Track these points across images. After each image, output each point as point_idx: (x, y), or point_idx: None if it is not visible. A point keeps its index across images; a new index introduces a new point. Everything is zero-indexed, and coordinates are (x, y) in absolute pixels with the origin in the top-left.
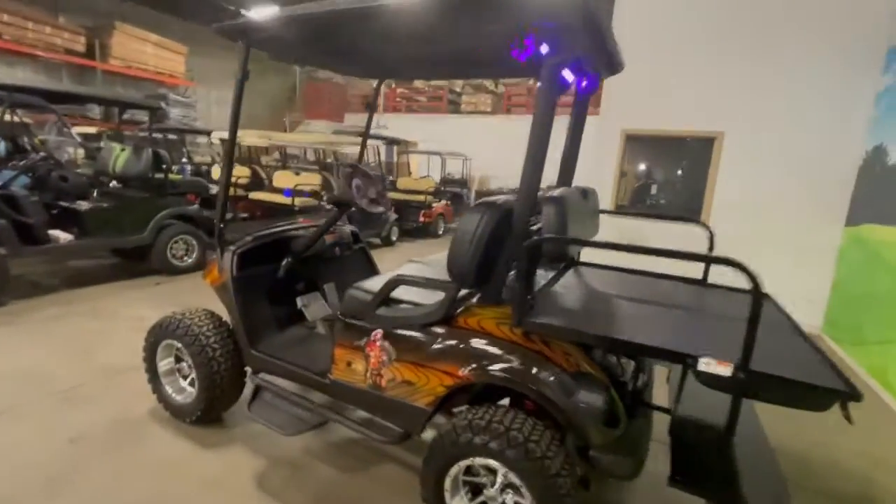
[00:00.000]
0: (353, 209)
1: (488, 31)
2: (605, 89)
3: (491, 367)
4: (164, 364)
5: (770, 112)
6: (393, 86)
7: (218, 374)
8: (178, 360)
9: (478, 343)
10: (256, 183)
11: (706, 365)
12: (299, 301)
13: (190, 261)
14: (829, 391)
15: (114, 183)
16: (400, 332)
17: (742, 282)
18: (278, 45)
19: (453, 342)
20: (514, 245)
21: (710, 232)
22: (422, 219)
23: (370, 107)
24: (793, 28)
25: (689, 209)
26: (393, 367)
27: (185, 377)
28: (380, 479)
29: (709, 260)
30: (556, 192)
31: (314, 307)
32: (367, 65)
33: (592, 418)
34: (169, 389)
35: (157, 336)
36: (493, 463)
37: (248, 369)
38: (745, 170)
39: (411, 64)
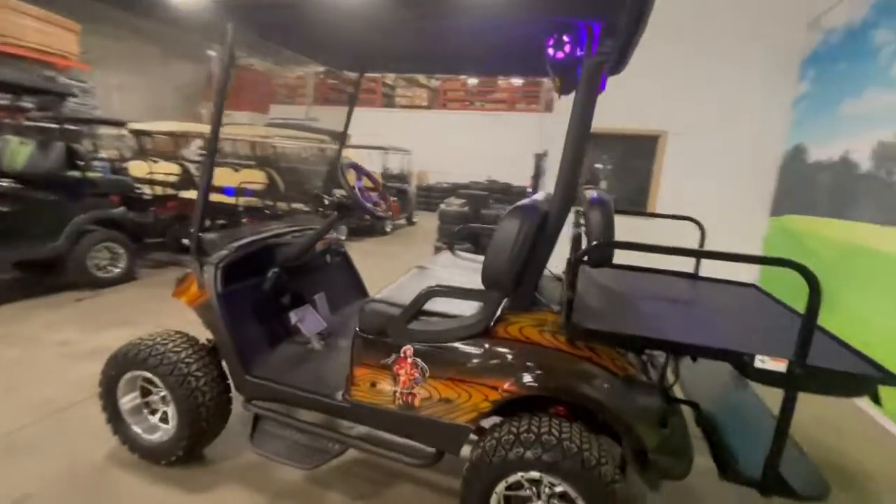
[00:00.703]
0: (346, 212)
1: (525, 27)
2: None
3: (544, 378)
4: (127, 400)
5: (706, 115)
6: (321, 76)
7: (203, 405)
8: (146, 392)
9: (524, 353)
10: (187, 181)
11: (762, 362)
12: (293, 316)
13: (117, 271)
14: (873, 378)
15: (9, 182)
16: (435, 346)
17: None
18: (267, 26)
19: (497, 354)
20: (546, 249)
21: (702, 228)
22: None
23: (350, 100)
24: (725, 41)
25: (635, 202)
26: (427, 385)
27: (154, 412)
28: (399, 502)
29: (765, 261)
30: (595, 195)
31: (309, 322)
32: (350, 55)
33: (649, 421)
34: (137, 429)
35: (118, 368)
36: (541, 476)
37: (234, 396)
38: (685, 166)
39: (402, 57)
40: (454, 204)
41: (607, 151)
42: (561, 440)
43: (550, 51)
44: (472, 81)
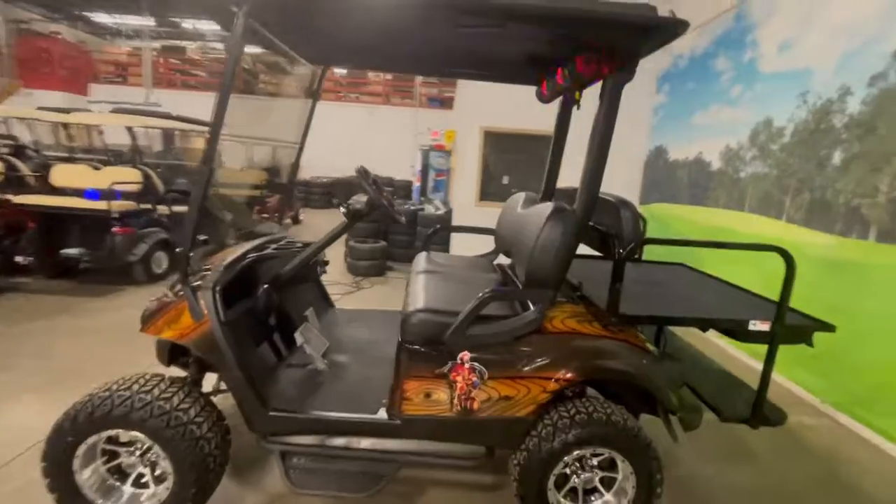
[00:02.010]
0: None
1: (557, 45)
2: (463, 90)
3: (596, 363)
4: (88, 474)
5: (589, 117)
6: (160, 56)
7: (211, 455)
8: (112, 457)
9: (575, 343)
10: (16, 182)
11: (754, 325)
12: (299, 337)
13: None
14: (818, 326)
15: None
16: (493, 348)
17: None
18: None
19: (551, 347)
20: (573, 247)
21: (643, 219)
22: (256, 216)
23: (313, 95)
24: None
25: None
26: (486, 387)
27: (126, 477)
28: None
29: (756, 247)
30: (617, 197)
31: (314, 341)
32: (320, 46)
33: (675, 386)
34: None
35: (76, 434)
36: (594, 451)
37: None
38: (573, 162)
39: (381, 55)
40: (360, 201)
41: (510, 150)
42: (609, 416)
43: (581, 66)
44: (341, 72)
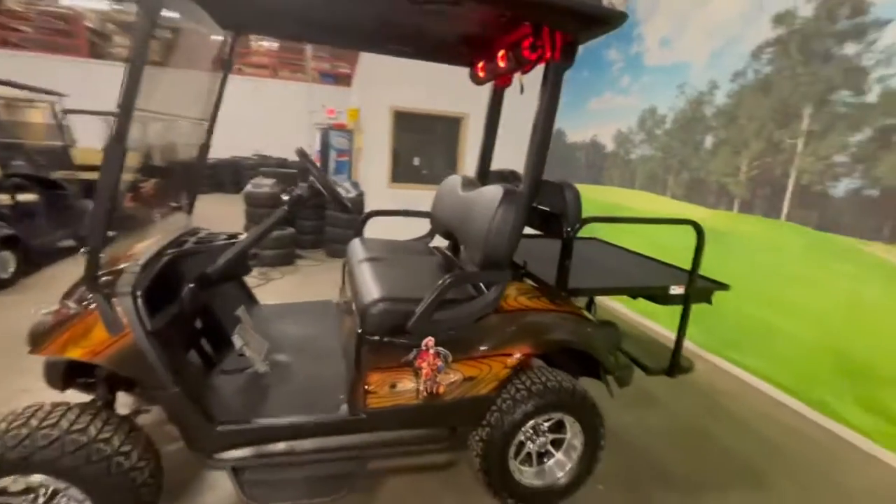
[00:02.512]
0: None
1: (502, 28)
2: (368, 67)
3: (552, 336)
4: None
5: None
6: None
7: (145, 485)
8: None
9: (529, 319)
10: None
11: (674, 290)
12: (237, 340)
13: None
14: (717, 286)
15: None
16: (456, 331)
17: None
18: None
19: (508, 325)
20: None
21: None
22: (130, 203)
23: (225, 67)
24: None
25: (445, 173)
26: (451, 370)
27: None
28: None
29: (673, 221)
30: (559, 179)
31: (253, 342)
32: (236, 10)
33: (615, 351)
34: None
35: None
36: (556, 416)
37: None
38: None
39: (302, 22)
40: (264, 185)
41: (420, 131)
42: (561, 384)
43: (527, 51)
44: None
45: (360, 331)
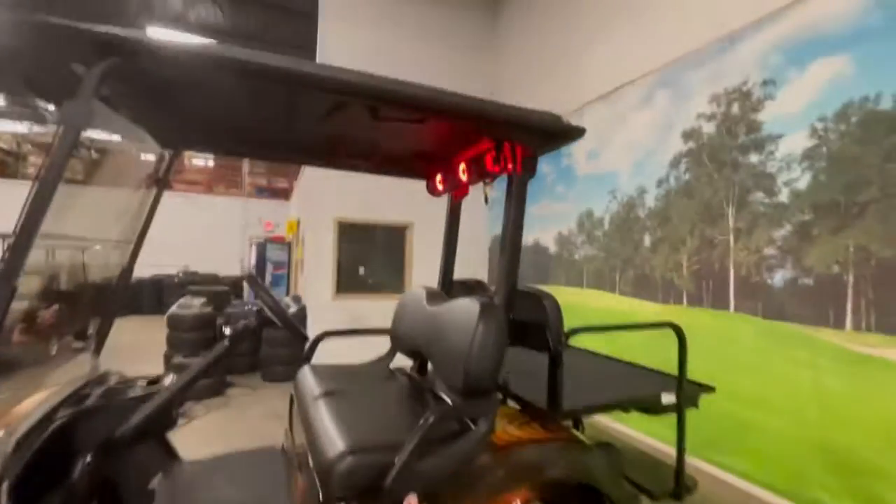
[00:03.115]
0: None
1: (463, 142)
2: (311, 179)
3: (554, 474)
4: None
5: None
6: None
7: None
8: None
9: (525, 455)
10: None
11: (665, 399)
12: None
13: None
14: (704, 389)
15: None
16: (444, 479)
17: None
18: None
19: (501, 465)
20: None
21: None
22: (20, 338)
23: (160, 184)
24: None
25: (392, 286)
26: None
27: None
28: None
29: (652, 325)
30: (533, 288)
31: None
32: (177, 126)
33: (619, 478)
34: None
35: None
36: None
37: None
38: (429, 252)
39: (257, 141)
40: (193, 305)
41: (365, 241)
42: None
43: (490, 164)
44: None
45: (321, 495)
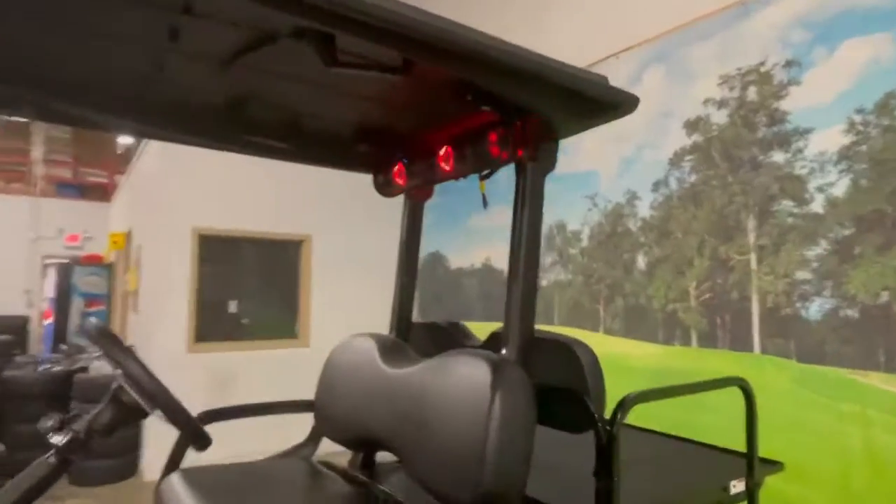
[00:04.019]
0: None
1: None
2: (153, 169)
3: None
4: None
5: (351, 215)
6: None
7: None
8: None
9: None
10: None
11: (734, 487)
12: None
13: None
14: (774, 468)
15: None
16: None
17: None
18: None
19: None
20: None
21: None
22: None
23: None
24: None
25: (281, 329)
26: None
27: None
28: None
29: (718, 385)
30: (558, 335)
31: None
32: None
33: None
34: None
35: None
36: None
37: None
38: (336, 277)
39: (125, 101)
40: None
41: (240, 262)
42: None
43: (495, 146)
44: None
45: None
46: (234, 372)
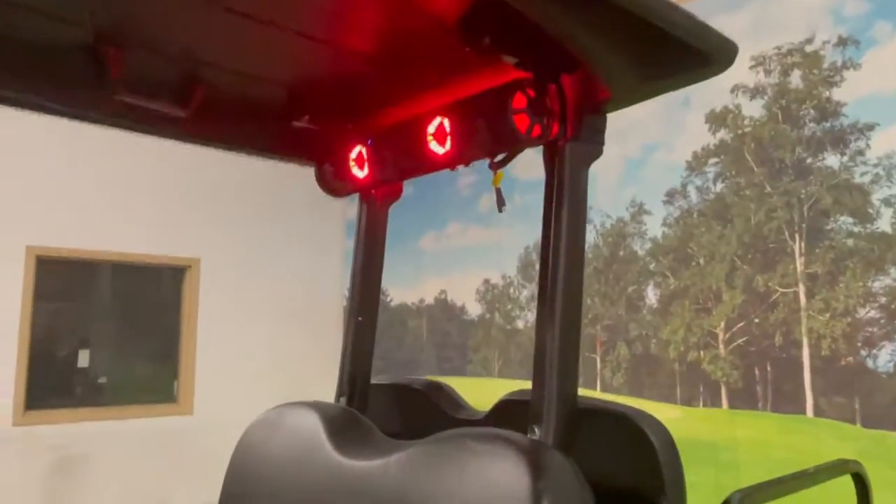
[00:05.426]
0: None
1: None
2: None
3: None
4: None
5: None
6: None
7: None
8: None
9: None
10: None
11: None
12: None
13: None
14: None
15: None
16: None
17: None
18: None
19: None
20: None
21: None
22: None
23: None
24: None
25: (155, 384)
26: None
27: None
28: None
29: (832, 473)
30: (610, 404)
31: None
32: None
33: None
34: None
35: None
36: None
37: None
38: (233, 316)
39: None
40: None
41: (101, 296)
42: None
43: (522, 118)
44: None
45: None
46: (81, 451)
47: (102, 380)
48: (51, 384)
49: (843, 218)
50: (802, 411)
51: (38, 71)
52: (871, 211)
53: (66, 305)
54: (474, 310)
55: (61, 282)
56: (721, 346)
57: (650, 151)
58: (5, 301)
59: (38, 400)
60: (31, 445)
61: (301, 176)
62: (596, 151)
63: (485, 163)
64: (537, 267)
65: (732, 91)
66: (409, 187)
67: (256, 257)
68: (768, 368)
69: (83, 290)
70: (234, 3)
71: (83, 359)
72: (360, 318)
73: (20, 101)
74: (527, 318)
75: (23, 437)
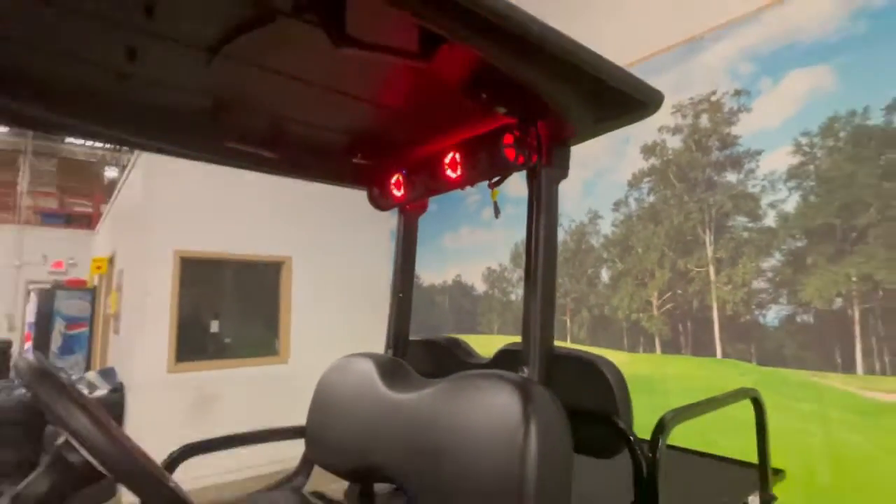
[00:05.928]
0: None
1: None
2: (136, 195)
3: None
4: None
5: (332, 235)
6: None
7: None
8: None
9: None
10: None
11: (753, 501)
12: None
13: None
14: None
15: None
16: None
17: None
18: None
19: None
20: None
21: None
22: None
23: None
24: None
25: (262, 348)
26: None
27: None
28: None
29: (733, 399)
30: (576, 351)
31: None
32: None
33: None
34: None
35: None
36: None
37: None
38: (315, 297)
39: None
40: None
41: (220, 283)
42: None
43: (510, 151)
44: None
45: None
46: (215, 390)
47: (227, 340)
48: (192, 344)
49: (740, 218)
50: (713, 354)
51: (174, 126)
52: (760, 212)
53: (201, 290)
54: (481, 288)
55: (198, 274)
56: (655, 310)
57: (602, 174)
58: (162, 289)
59: (184, 355)
60: (180, 386)
61: (359, 197)
62: (564, 174)
63: (486, 183)
64: (524, 257)
65: (659, 130)
66: (433, 203)
67: (330, 255)
68: (689, 325)
69: (213, 280)
70: (312, 77)
71: (214, 326)
72: (400, 295)
73: (163, 150)
74: (517, 293)
75: (175, 380)
